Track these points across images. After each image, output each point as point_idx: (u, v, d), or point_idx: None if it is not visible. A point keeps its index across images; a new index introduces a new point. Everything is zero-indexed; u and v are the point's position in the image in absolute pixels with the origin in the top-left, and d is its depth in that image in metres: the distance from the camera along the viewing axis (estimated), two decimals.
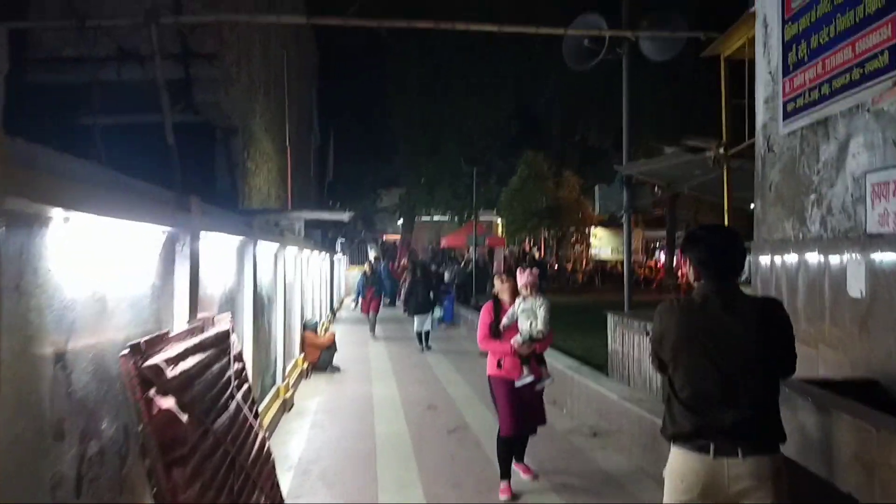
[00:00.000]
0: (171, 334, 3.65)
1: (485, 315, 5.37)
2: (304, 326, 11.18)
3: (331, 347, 11.32)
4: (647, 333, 6.91)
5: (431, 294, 14.71)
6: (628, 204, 8.45)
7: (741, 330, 2.87)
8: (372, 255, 31.26)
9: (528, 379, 5.33)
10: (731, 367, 2.85)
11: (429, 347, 14.00)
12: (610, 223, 42.48)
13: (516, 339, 5.20)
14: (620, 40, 8.55)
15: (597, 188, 8.77)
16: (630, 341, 7.55)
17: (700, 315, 2.93)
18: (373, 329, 15.75)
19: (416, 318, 14.40)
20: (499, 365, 5.39)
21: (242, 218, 6.01)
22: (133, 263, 3.57)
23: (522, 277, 5.26)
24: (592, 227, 37.77)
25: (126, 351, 2.99)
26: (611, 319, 8.15)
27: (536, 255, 36.83)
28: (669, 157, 6.72)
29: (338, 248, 25.81)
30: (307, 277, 12.61)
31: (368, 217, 38.34)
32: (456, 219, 34.79)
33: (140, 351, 3.11)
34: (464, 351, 14.04)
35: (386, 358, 12.85)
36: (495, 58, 32.17)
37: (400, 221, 37.63)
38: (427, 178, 33.97)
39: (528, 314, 5.18)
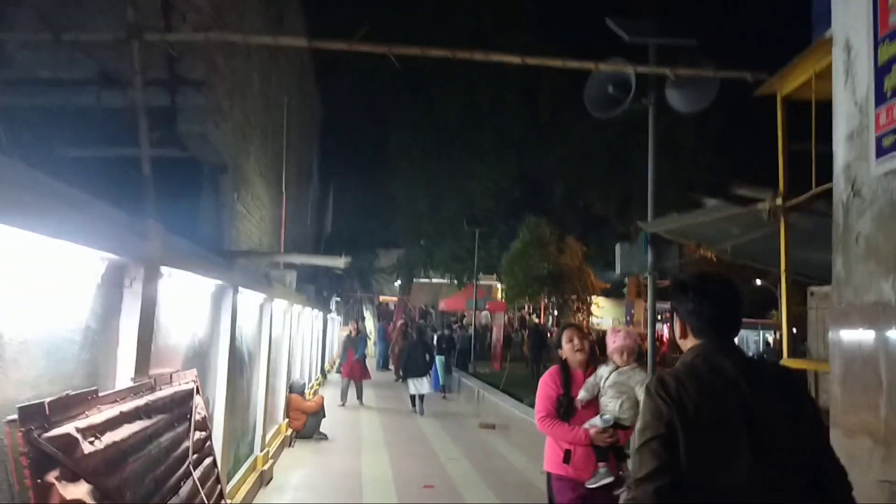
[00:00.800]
0: (102, 394, 2.75)
1: (549, 386, 4.01)
2: (290, 389, 10.19)
3: (318, 413, 10.31)
4: None
5: (428, 356, 14.37)
6: (653, 265, 7.62)
7: (784, 408, 2.05)
8: (368, 316, 30.26)
9: (606, 479, 3.88)
10: (782, 464, 1.98)
11: (421, 412, 13.48)
12: (611, 293, 41.75)
13: (594, 424, 3.83)
14: (647, 90, 7.91)
15: (617, 247, 7.95)
16: None
17: (728, 390, 2.05)
18: (359, 396, 14.22)
19: (411, 381, 13.92)
20: (566, 459, 3.93)
21: (223, 260, 5.15)
22: (58, 298, 2.71)
23: (617, 338, 4.03)
24: (594, 296, 36.93)
25: (13, 416, 2.09)
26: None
27: (535, 322, 35.87)
28: (707, 212, 5.91)
29: (332, 306, 24.86)
30: (297, 335, 11.68)
31: (365, 277, 37.48)
32: (455, 281, 33.95)
33: (41, 416, 2.21)
34: (462, 421, 12.98)
35: (378, 426, 11.79)
36: (499, 121, 31.98)
37: (397, 283, 36.74)
38: (427, 239, 33.28)
39: (620, 391, 3.86)
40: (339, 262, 8.00)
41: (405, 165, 31.94)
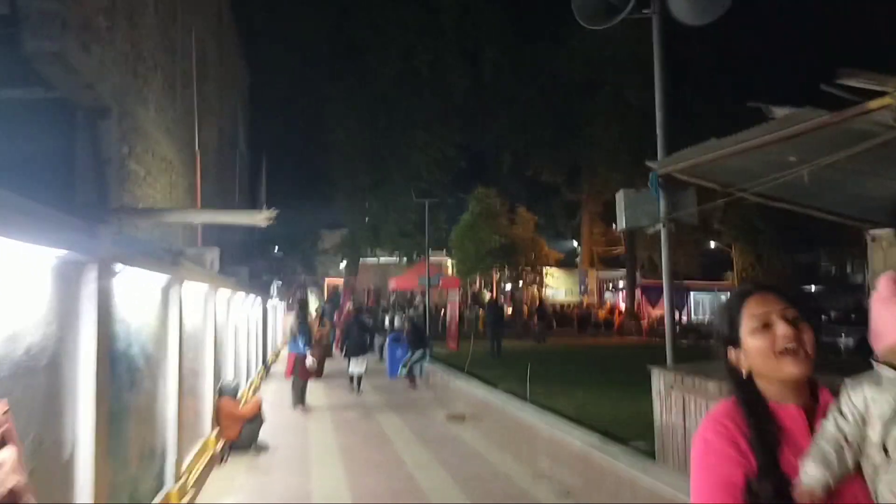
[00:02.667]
0: None
1: (722, 456, 1.49)
2: (220, 392, 8.36)
3: (255, 419, 8.50)
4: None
5: (367, 337, 14.79)
6: (667, 213, 6.06)
7: None
8: (313, 300, 28.22)
9: None
10: None
11: (360, 391, 13.67)
12: (565, 263, 40.65)
13: None
14: None
15: (620, 195, 6.36)
16: (696, 411, 5.08)
17: None
18: (300, 400, 11.71)
19: (351, 360, 14.01)
20: None
21: (79, 220, 3.31)
22: None
23: None
24: (546, 268, 35.75)
25: None
26: (659, 378, 5.68)
27: (488, 297, 34.47)
28: (768, 129, 4.34)
29: (273, 291, 22.83)
30: (225, 325, 9.81)
31: (308, 259, 35.40)
32: (404, 259, 32.17)
33: None
34: (427, 413, 11.35)
35: (329, 428, 10.04)
36: (440, 86, 30.16)
37: (343, 263, 34.78)
38: (371, 216, 31.37)
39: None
40: (259, 218, 6.21)
41: (342, 138, 29.90)
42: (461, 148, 29.98)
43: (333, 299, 29.20)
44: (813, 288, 39.94)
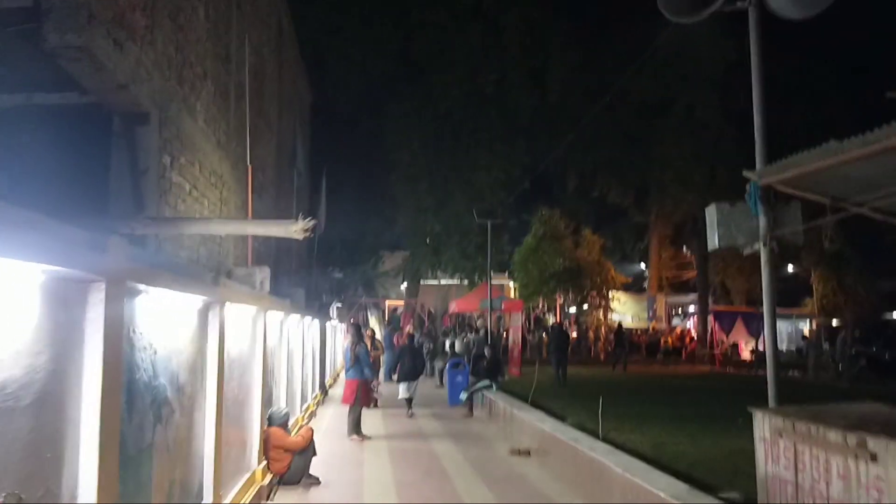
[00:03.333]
0: None
1: None
2: (268, 422, 7.85)
3: (306, 450, 7.95)
4: (869, 456, 3.65)
5: (420, 362, 14.91)
6: (767, 231, 5.25)
7: None
8: (374, 322, 27.79)
9: None
10: None
11: (411, 412, 13.87)
12: (631, 287, 39.24)
13: None
14: None
15: (711, 210, 5.58)
16: (813, 465, 4.24)
17: None
18: (355, 429, 11.02)
19: (401, 385, 14.19)
20: None
21: (83, 231, 2.79)
22: None
23: None
24: (613, 291, 34.47)
25: None
26: (764, 422, 4.86)
27: (552, 321, 33.40)
28: None
29: (333, 313, 22.52)
30: (278, 349, 9.34)
31: (369, 281, 35.14)
32: (465, 281, 31.50)
33: None
34: (489, 446, 10.61)
35: (385, 460, 9.41)
36: (505, 106, 29.57)
37: (404, 285, 34.38)
38: (433, 237, 30.86)
39: None
40: (294, 230, 5.63)
41: (405, 158, 29.56)
42: (526, 168, 29.22)
43: (393, 322, 28.72)
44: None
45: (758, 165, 5.41)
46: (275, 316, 8.56)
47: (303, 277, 17.27)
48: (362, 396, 11.07)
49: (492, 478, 8.34)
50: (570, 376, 19.21)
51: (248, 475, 6.83)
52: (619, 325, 28.94)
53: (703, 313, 33.07)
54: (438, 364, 21.31)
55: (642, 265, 40.68)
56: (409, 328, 26.16)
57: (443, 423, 12.86)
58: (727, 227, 5.42)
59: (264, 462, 7.44)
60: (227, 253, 8.47)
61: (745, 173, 5.29)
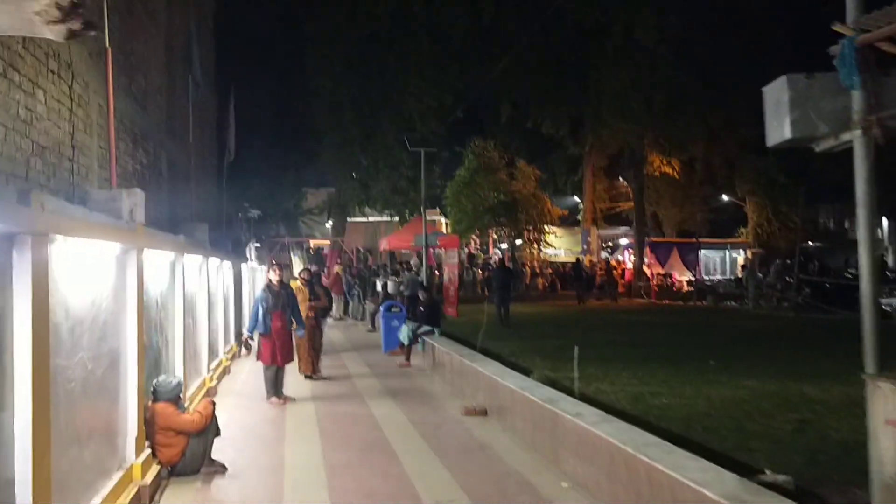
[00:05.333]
0: None
1: None
2: (154, 395, 5.91)
3: (206, 430, 6.06)
4: None
5: None
6: (867, 111, 3.57)
7: None
8: (297, 262, 25.56)
9: None
10: None
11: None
12: (565, 221, 38.13)
13: None
14: None
15: (778, 86, 3.88)
16: None
17: None
18: (273, 389, 9.16)
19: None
20: None
21: None
22: None
23: None
24: (548, 226, 33.23)
25: None
26: (888, 398, 3.23)
27: (496, 257, 31.98)
28: None
29: (250, 254, 20.29)
30: (172, 300, 7.33)
31: (292, 219, 32.75)
32: (396, 217, 29.56)
33: None
34: (437, 405, 8.96)
35: (314, 434, 7.60)
36: (438, 28, 27.22)
37: (329, 223, 32.17)
38: (360, 171, 28.65)
39: None
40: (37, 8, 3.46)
41: (328, 85, 27.00)
42: (458, 96, 27.10)
43: (317, 261, 26.60)
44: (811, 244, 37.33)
45: (849, 14, 3.68)
46: (158, 256, 6.51)
47: (211, 213, 15.02)
48: (278, 352, 9.15)
49: (447, 451, 6.68)
50: (511, 314, 17.81)
51: (119, 475, 4.93)
52: (578, 259, 27.89)
53: (639, 245, 32.28)
54: (370, 307, 19.54)
55: (576, 198, 39.56)
56: (336, 268, 24.21)
57: (380, 377, 11.16)
58: (803, 110, 3.72)
59: (146, 452, 5.53)
60: (88, 171, 6.33)
61: (837, 26, 3.56)
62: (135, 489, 5.09)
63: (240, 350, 13.84)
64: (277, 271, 9.57)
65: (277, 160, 26.90)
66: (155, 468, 5.61)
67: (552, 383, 7.84)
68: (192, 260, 8.78)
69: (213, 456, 6.15)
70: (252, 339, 9.34)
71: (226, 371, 11.68)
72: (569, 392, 7.23)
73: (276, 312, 9.23)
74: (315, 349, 10.91)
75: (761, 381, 9.16)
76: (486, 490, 5.53)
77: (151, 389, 5.95)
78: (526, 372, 8.82)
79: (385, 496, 5.41)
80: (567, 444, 5.76)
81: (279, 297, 9.33)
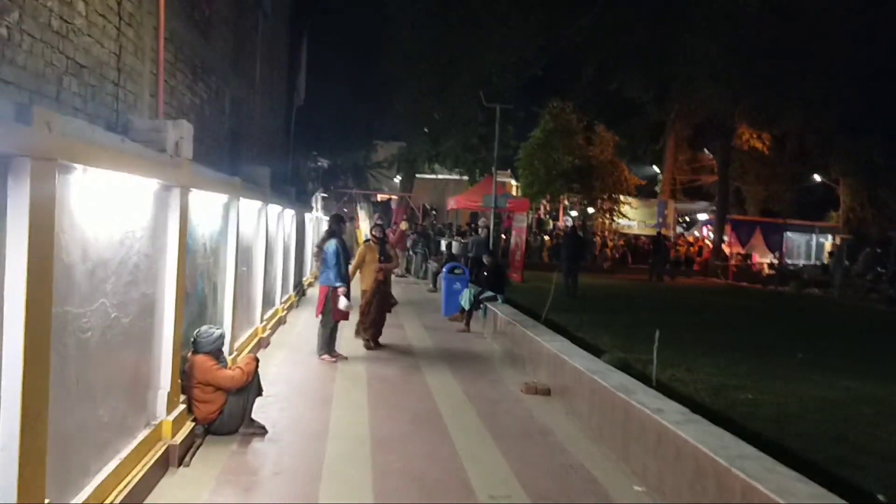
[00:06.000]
0: None
1: None
2: (194, 347, 5.49)
3: (247, 388, 5.62)
4: None
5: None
6: None
7: None
8: (363, 216, 25.18)
9: None
10: None
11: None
12: (641, 191, 36.57)
13: None
14: None
15: None
16: None
17: None
18: (326, 345, 8.72)
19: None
20: None
21: None
22: None
23: None
24: (625, 196, 31.88)
25: None
26: None
27: (570, 224, 30.83)
28: None
29: (316, 203, 20.01)
30: (224, 245, 6.90)
31: (360, 172, 32.42)
32: (465, 176, 28.83)
33: None
34: (496, 380, 8.36)
35: (363, 401, 7.10)
36: None
37: (397, 178, 31.69)
38: (432, 125, 27.93)
39: None
40: None
41: (405, 33, 26.20)
42: (540, 51, 25.88)
43: (384, 211, 26.18)
44: None
45: None
46: (209, 197, 6.04)
47: (276, 158, 14.63)
48: (334, 308, 8.69)
49: (504, 433, 6.09)
50: (578, 286, 17.03)
51: (146, 432, 4.51)
52: (659, 233, 26.57)
53: (720, 221, 30.69)
54: (433, 266, 19.04)
55: (655, 168, 37.92)
56: (402, 224, 23.77)
57: (437, 342, 10.64)
58: None
59: (180, 408, 5.12)
60: (137, 99, 5.86)
61: None
62: (163, 448, 4.68)
63: (325, 307, 13.49)
64: (357, 222, 8.92)
65: (349, 110, 26.37)
66: (189, 426, 5.20)
67: (625, 367, 7.13)
68: (250, 204, 8.33)
69: (254, 416, 5.72)
70: (345, 292, 8.74)
71: (281, 321, 11.37)
72: (642, 378, 6.51)
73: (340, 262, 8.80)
74: (380, 318, 9.82)
75: (859, 381, 8.23)
76: (546, 485, 4.91)
77: (191, 340, 5.52)
78: (595, 351, 8.12)
79: (433, 482, 4.85)
80: (642, 441, 5.07)
81: (345, 250, 8.95)
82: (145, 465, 4.36)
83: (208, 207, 6.13)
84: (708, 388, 7.52)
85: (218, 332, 5.63)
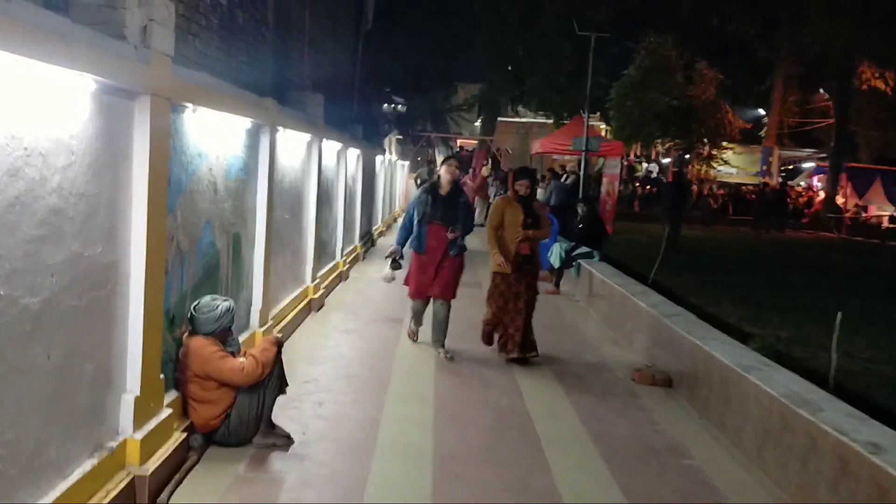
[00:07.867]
0: None
1: None
2: (192, 325, 3.97)
3: (262, 385, 4.03)
4: None
5: None
6: None
7: None
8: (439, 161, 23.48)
9: None
10: None
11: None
12: (745, 137, 33.26)
13: None
14: None
15: None
16: None
17: None
18: (416, 320, 6.74)
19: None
20: None
21: None
22: None
23: None
24: (727, 142, 28.92)
25: None
26: None
27: (673, 171, 28.25)
28: None
29: (389, 146, 18.41)
30: (251, 185, 5.33)
31: (439, 114, 30.59)
32: (551, 119, 26.60)
33: None
34: (602, 367, 6.60)
35: (429, 397, 5.43)
36: None
37: (478, 122, 29.74)
38: (516, 63, 25.72)
39: None
40: None
41: None
42: None
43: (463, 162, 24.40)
44: None
45: None
46: (219, 119, 4.43)
47: (338, 88, 13.02)
48: (427, 282, 6.36)
49: (619, 451, 4.36)
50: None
51: (91, 463, 3.01)
52: (766, 182, 23.99)
53: (834, 170, 27.48)
54: None
55: (760, 111, 34.46)
56: (483, 170, 21.97)
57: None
58: None
59: (161, 416, 3.60)
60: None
61: None
62: (125, 482, 3.18)
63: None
64: (453, 169, 6.49)
65: (428, 46, 24.42)
66: (173, 443, 3.66)
67: (780, 358, 5.25)
68: (294, 136, 6.73)
69: (277, 418, 4.19)
70: (401, 255, 6.66)
71: (341, 277, 9.90)
72: (806, 374, 4.65)
73: (432, 225, 6.26)
74: (528, 314, 6.46)
75: None
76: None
77: (188, 315, 4.00)
78: (718, 324, 6.25)
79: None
80: (854, 493, 3.26)
81: (447, 206, 6.29)
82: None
83: (220, 133, 4.54)
84: (881, 379, 5.57)
85: (224, 304, 4.04)
